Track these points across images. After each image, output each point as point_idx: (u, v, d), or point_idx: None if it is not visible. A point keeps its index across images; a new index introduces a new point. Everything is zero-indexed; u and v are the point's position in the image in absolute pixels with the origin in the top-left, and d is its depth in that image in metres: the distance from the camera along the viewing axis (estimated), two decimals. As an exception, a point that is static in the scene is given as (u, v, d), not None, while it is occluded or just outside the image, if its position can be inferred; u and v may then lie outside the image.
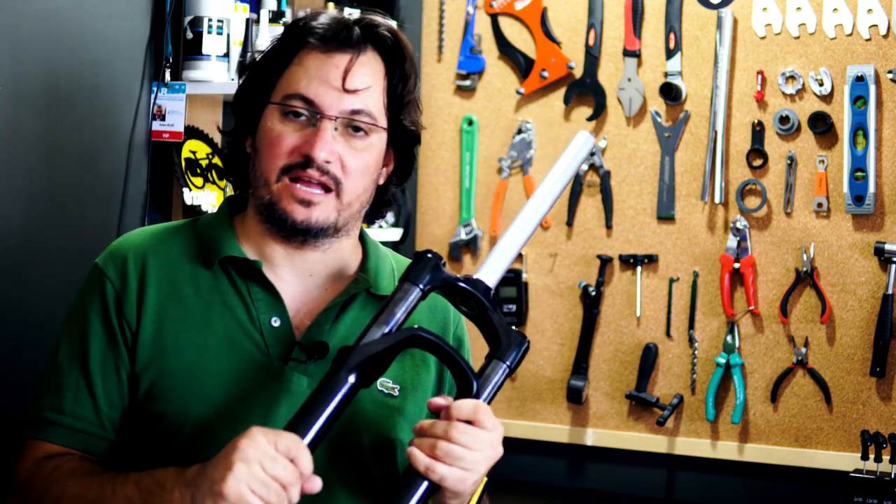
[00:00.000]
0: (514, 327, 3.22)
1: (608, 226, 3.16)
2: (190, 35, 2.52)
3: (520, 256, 3.22)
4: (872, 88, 2.86)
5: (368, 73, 1.60)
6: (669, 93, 3.07)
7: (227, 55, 2.56)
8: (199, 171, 2.60)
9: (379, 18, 1.65)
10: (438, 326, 1.71)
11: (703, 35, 3.07)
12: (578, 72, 3.19)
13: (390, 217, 3.22)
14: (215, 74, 2.54)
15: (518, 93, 3.25)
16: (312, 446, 1.39)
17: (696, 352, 3.06)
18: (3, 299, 2.17)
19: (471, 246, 3.31)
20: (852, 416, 2.92)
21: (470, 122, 3.31)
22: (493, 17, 3.29)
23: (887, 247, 2.85)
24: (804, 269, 2.94)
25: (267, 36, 2.62)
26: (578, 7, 3.19)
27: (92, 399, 1.55)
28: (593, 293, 3.15)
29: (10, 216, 2.20)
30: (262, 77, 1.64)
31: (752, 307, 2.99)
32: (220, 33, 2.53)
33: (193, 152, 2.59)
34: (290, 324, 1.59)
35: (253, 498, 1.32)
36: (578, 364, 3.16)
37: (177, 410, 1.53)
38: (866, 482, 2.76)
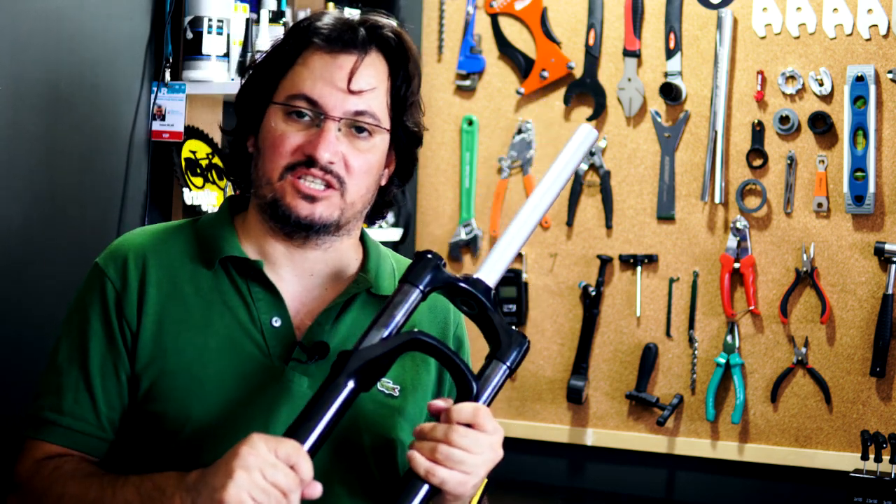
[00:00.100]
0: (514, 327, 3.24)
1: (608, 226, 3.17)
2: (190, 35, 2.52)
3: (520, 256, 3.22)
4: (872, 88, 2.86)
5: (373, 74, 1.60)
6: (669, 93, 3.07)
7: (227, 55, 2.56)
8: (199, 171, 2.60)
9: (383, 19, 1.65)
10: (439, 326, 1.71)
11: (703, 35, 3.07)
12: (578, 72, 3.19)
13: (390, 217, 3.22)
14: (215, 74, 2.54)
15: (518, 93, 3.25)
16: (312, 452, 1.39)
17: (696, 352, 3.06)
18: (3, 299, 2.17)
19: (471, 246, 3.31)
20: (852, 416, 2.92)
21: (470, 122, 3.31)
22: (493, 17, 3.29)
23: (887, 247, 2.85)
24: (804, 269, 2.94)
25: (267, 36, 2.62)
26: (578, 7, 3.19)
27: (91, 400, 1.55)
28: (593, 293, 3.15)
29: (10, 216, 2.20)
30: (266, 77, 1.64)
31: (752, 307, 2.99)
32: (220, 33, 2.53)
33: (193, 152, 2.59)
34: (290, 324, 1.59)
35: None
36: (578, 364, 3.16)
37: (177, 410, 1.53)
38: (866, 482, 2.76)
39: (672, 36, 3.09)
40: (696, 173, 3.08)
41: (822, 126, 2.94)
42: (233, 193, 1.77)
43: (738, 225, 3.00)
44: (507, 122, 3.28)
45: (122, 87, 2.47)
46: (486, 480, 1.50)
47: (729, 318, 3.02)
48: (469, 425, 1.44)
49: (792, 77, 2.96)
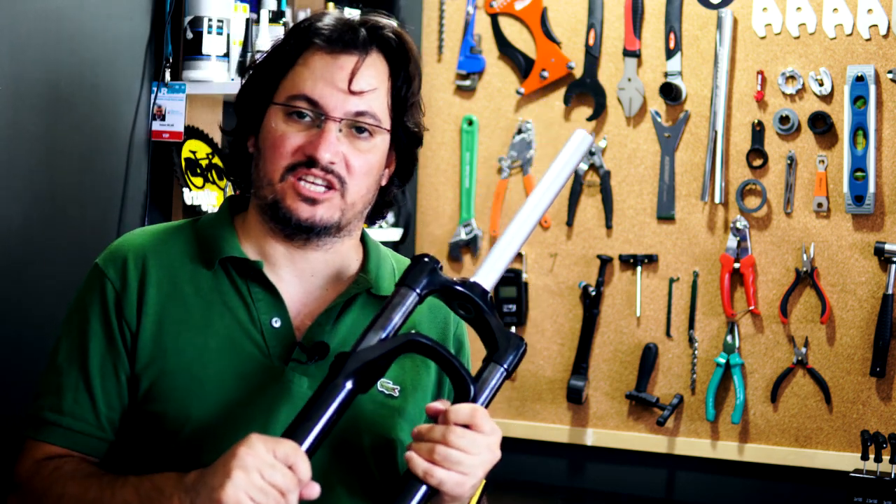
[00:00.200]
0: (513, 328, 3.24)
1: (608, 226, 3.17)
2: (190, 35, 2.52)
3: (520, 256, 3.22)
4: (872, 88, 2.86)
5: (374, 74, 1.61)
6: (669, 93, 3.07)
7: (227, 55, 2.56)
8: (199, 171, 2.60)
9: (383, 20, 1.65)
10: (439, 327, 1.71)
11: (703, 35, 3.07)
12: (578, 72, 3.19)
13: (390, 217, 3.22)
14: (215, 74, 2.54)
15: (518, 93, 3.25)
16: (310, 453, 1.39)
17: (696, 352, 3.06)
18: (3, 299, 2.18)
19: (471, 246, 3.31)
20: (852, 416, 2.92)
21: (470, 122, 3.31)
22: (493, 17, 3.29)
23: (887, 247, 2.85)
24: (804, 269, 2.94)
25: (267, 36, 2.62)
26: (578, 7, 3.19)
27: (91, 400, 1.56)
28: (593, 293, 3.15)
29: (10, 216, 2.20)
30: (266, 77, 1.64)
31: (752, 307, 2.99)
32: (220, 33, 2.53)
33: (193, 152, 2.60)
34: (290, 324, 1.59)
35: None
36: (578, 364, 3.16)
37: (177, 411, 1.54)
38: (866, 482, 2.76)
39: (672, 36, 3.09)
40: (696, 173, 3.08)
41: (822, 126, 2.94)
42: (233, 193, 1.77)
43: (738, 225, 3.00)
44: (507, 122, 3.28)
45: (122, 87, 2.47)
46: (484, 481, 1.50)
47: (729, 318, 3.02)
48: (467, 426, 1.44)
49: (792, 77, 2.96)
